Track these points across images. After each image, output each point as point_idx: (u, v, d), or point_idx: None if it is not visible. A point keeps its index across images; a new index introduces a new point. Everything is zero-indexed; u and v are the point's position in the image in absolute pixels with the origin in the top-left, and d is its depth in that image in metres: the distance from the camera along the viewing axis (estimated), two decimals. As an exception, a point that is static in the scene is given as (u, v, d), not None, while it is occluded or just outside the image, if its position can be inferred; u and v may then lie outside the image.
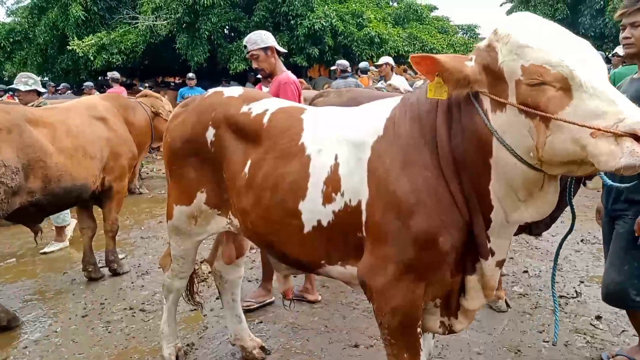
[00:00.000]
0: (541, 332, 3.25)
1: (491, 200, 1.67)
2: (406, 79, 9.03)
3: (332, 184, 1.94)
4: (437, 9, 19.63)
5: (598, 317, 3.44)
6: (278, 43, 14.01)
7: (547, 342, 3.13)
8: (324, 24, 13.18)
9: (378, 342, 3.23)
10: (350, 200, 1.90)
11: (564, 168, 1.52)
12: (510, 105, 1.51)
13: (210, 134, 2.34)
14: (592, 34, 15.13)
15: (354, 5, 14.91)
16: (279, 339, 3.35)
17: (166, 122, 5.34)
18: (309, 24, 13.16)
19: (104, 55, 13.81)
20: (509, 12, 22.68)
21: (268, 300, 3.91)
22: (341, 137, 1.98)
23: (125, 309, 3.97)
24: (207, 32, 13.03)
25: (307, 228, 2.03)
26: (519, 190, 1.63)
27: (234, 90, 2.53)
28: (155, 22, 13.24)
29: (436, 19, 18.04)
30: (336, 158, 1.96)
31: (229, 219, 2.46)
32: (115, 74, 10.84)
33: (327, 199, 1.95)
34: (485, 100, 1.60)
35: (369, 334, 3.35)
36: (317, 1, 13.57)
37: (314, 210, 1.99)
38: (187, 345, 3.34)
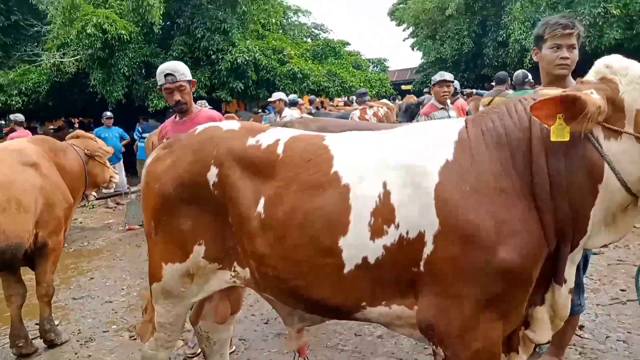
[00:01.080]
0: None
1: (588, 225, 1.65)
2: (300, 111, 9.37)
3: (383, 215, 1.74)
4: (350, 44, 20.49)
5: (581, 327, 3.49)
6: (200, 80, 13.66)
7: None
8: (247, 58, 13.04)
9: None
10: (407, 233, 1.71)
11: None
12: (630, 134, 1.56)
13: (212, 173, 2.04)
14: (496, 63, 16.57)
15: (273, 41, 15.02)
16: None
17: (103, 166, 4.90)
18: (232, 58, 12.94)
19: (1, 97, 12.47)
20: (413, 46, 24.29)
21: None
22: (389, 160, 1.80)
23: (74, 386, 3.36)
24: (124, 68, 12.29)
25: (348, 267, 1.79)
26: (611, 214, 1.66)
27: (231, 124, 2.24)
28: (62, 60, 12.23)
29: (349, 53, 18.70)
30: (385, 186, 1.76)
31: (234, 271, 2.14)
32: (19, 117, 9.71)
33: (377, 233, 1.75)
34: (596, 130, 1.61)
35: (367, 378, 3.11)
36: (237, 36, 13.46)
37: (358, 247, 1.77)
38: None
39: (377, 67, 23.14)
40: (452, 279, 1.66)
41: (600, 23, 13.57)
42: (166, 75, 3.31)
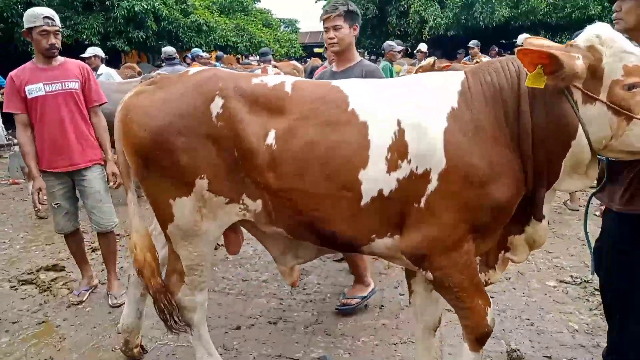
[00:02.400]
0: (397, 287, 3.73)
1: (560, 172, 1.90)
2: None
3: (398, 150, 1.89)
4: (260, 1, 20.08)
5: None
6: (93, 26, 12.68)
7: (403, 295, 3.60)
8: (146, 6, 12.36)
9: (257, 320, 3.34)
10: (417, 168, 1.88)
11: (621, 155, 1.86)
12: (602, 102, 1.74)
13: (217, 104, 2.00)
14: (398, 32, 17.28)
15: (176, -11, 14.33)
16: (154, 335, 3.19)
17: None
18: (128, 5, 12.19)
19: None
20: (325, 8, 24.35)
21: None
22: (402, 103, 1.95)
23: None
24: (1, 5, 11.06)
25: (365, 199, 1.92)
26: (579, 167, 1.90)
27: (228, 70, 2.28)
28: None
29: (259, 11, 18.39)
30: (399, 124, 1.90)
31: (243, 204, 2.11)
32: None
33: (393, 167, 1.89)
34: (576, 93, 1.79)
35: (247, 314, 3.42)
36: (135, -18, 12.66)
37: (376, 179, 1.90)
38: (45, 359, 2.96)
39: (288, 27, 22.96)
40: (448, 212, 1.88)
41: (492, 1, 14.63)
42: (45, 17, 3.27)
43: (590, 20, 15.19)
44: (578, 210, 5.42)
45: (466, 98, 1.91)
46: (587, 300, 3.47)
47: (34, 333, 3.30)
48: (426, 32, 14.99)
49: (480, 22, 15.12)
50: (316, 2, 25.39)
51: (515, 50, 1.76)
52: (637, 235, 2.13)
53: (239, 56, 17.05)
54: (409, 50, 14.51)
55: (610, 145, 1.81)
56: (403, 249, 2.00)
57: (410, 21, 16.24)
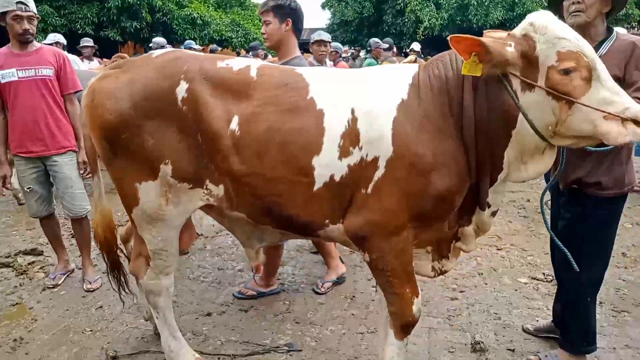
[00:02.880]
0: (370, 280, 3.77)
1: (503, 163, 1.93)
2: None
3: (350, 138, 1.93)
4: (257, -5, 20.05)
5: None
6: (87, 16, 12.75)
7: (375, 287, 3.64)
8: (140, -3, 12.36)
9: (229, 308, 3.36)
10: (366, 155, 1.92)
11: (571, 140, 1.85)
12: (541, 88, 1.75)
13: (182, 88, 2.00)
14: (394, 31, 17.34)
15: (172, -18, 14.30)
16: (125, 321, 3.21)
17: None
18: (122, -5, 12.18)
19: None
20: (323, 6, 24.34)
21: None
22: (357, 94, 1.99)
23: None
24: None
25: (317, 185, 1.97)
26: (525, 155, 1.91)
27: (193, 51, 2.29)
28: None
29: (256, 5, 18.35)
30: (353, 112, 1.94)
31: (206, 189, 2.13)
32: None
33: (344, 153, 1.94)
34: (515, 81, 1.81)
35: (219, 302, 3.44)
36: (131, -27, 12.63)
37: (328, 165, 1.95)
38: (14, 340, 2.98)
39: (286, 23, 22.80)
40: (392, 198, 1.92)
41: (486, 3, 14.70)
42: (18, 2, 3.27)
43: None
44: (557, 210, 5.47)
45: (416, 90, 1.95)
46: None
47: (6, 314, 3.32)
48: (421, 32, 15.03)
49: (474, 24, 15.21)
50: (314, -2, 25.42)
51: (449, 38, 1.78)
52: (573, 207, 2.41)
53: (240, 50, 17.09)
54: (404, 49, 14.57)
55: (558, 132, 1.82)
56: (346, 228, 2.04)
57: (406, 20, 16.33)
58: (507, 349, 2.88)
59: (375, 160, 1.92)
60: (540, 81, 1.78)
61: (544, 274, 3.84)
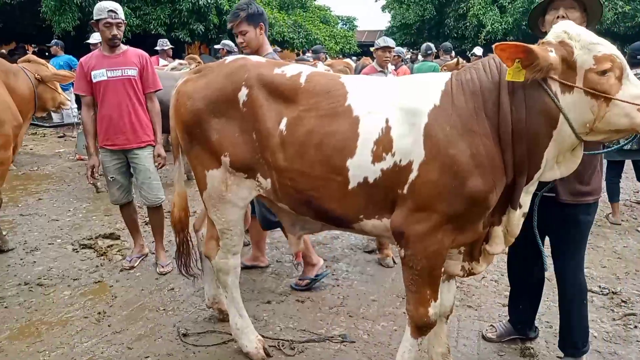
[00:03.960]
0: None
1: (542, 162, 2.02)
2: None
3: (384, 145, 2.08)
4: (319, -2, 20.38)
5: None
6: (160, 17, 13.84)
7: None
8: (209, 0, 12.95)
9: (287, 297, 3.60)
10: (400, 161, 2.06)
11: (607, 135, 1.99)
12: (580, 89, 1.88)
13: (243, 93, 2.33)
14: (455, 34, 17.13)
15: (239, -15, 14.82)
16: (194, 303, 3.52)
17: (53, 91, 5.07)
18: (193, -1, 12.83)
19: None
20: (384, 9, 24.36)
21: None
22: (392, 102, 2.13)
23: (19, 284, 3.78)
24: (78, -3, 11.94)
25: (352, 184, 2.15)
26: (561, 154, 2.04)
27: (258, 57, 2.60)
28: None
29: (318, 8, 18.68)
30: (387, 121, 2.09)
31: (257, 181, 2.44)
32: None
33: (377, 158, 2.09)
34: (554, 85, 1.92)
35: (278, 292, 3.69)
36: (202, -23, 13.26)
37: (361, 168, 2.11)
38: (98, 313, 3.36)
39: (346, 25, 23.09)
40: (427, 199, 2.03)
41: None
42: (109, 10, 3.70)
43: (662, 31, 14.48)
44: (620, 224, 5.32)
45: (448, 95, 2.05)
46: (612, 310, 3.48)
47: (90, 290, 3.73)
48: (483, 36, 14.75)
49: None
50: (376, 1, 25.47)
51: (493, 47, 1.89)
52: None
53: (299, 52, 17.48)
54: (466, 52, 14.34)
55: (596, 128, 1.93)
56: (390, 224, 2.19)
57: (468, 24, 16.06)
58: (557, 357, 2.91)
59: (410, 164, 2.05)
60: (579, 83, 1.90)
61: (599, 286, 3.80)
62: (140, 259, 4.23)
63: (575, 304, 2.68)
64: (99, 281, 3.87)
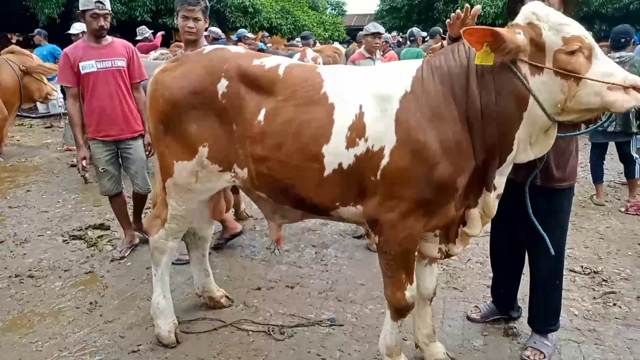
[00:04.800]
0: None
1: (513, 144, 2.06)
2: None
3: (357, 130, 2.12)
4: (308, -18, 20.16)
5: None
6: (146, 4, 13.83)
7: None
8: (196, -14, 12.80)
9: (277, 284, 3.66)
10: (372, 146, 2.10)
11: (579, 114, 2.01)
12: (550, 69, 1.91)
13: (222, 85, 2.35)
14: (445, 18, 16.94)
15: (226, -30, 14.68)
16: (184, 291, 3.57)
17: (39, 82, 5.05)
18: (179, -15, 12.66)
19: None
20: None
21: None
22: (365, 89, 2.17)
23: (10, 276, 3.80)
24: (62, -16, 11.77)
25: (327, 171, 2.18)
26: (533, 135, 2.06)
27: (237, 48, 2.60)
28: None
29: (307, -8, 18.53)
30: (361, 107, 2.13)
31: (233, 172, 2.47)
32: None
33: (351, 144, 2.13)
34: (523, 67, 1.95)
35: (268, 278, 3.75)
36: (187, -38, 13.06)
37: (336, 154, 2.15)
38: (90, 303, 3.39)
39: (335, 9, 22.91)
40: (398, 185, 2.08)
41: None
42: (96, 2, 3.66)
43: (649, 13, 14.55)
44: (604, 205, 5.43)
45: (419, 82, 2.09)
46: (593, 289, 3.58)
47: (81, 281, 3.76)
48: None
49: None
50: (364, -16, 25.24)
51: (461, 31, 1.90)
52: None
53: (288, 37, 17.39)
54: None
55: (567, 108, 1.96)
56: (364, 212, 2.25)
57: (459, 7, 15.99)
58: (539, 335, 3.00)
59: (381, 149, 2.08)
60: (548, 64, 1.93)
61: (582, 266, 3.90)
62: (130, 249, 4.26)
63: (548, 286, 2.75)
64: (89, 272, 3.90)
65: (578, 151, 2.69)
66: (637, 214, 5.11)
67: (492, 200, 2.22)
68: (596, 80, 1.88)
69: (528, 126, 2.03)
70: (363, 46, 5.79)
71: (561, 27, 1.91)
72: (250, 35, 11.50)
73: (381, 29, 5.65)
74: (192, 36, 3.49)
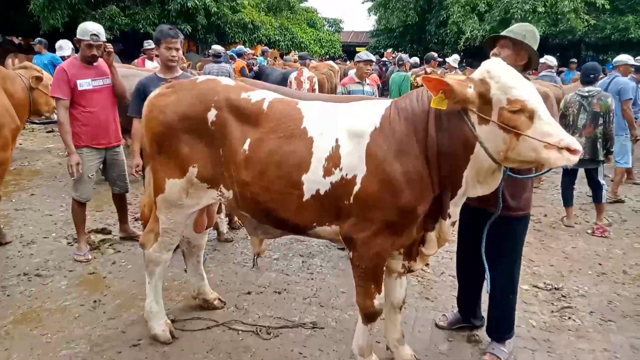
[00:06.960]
0: (387, 277, 4.31)
1: (462, 181, 2.35)
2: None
3: (333, 161, 2.42)
4: (307, 0, 20.74)
5: (427, 264, 4.59)
6: (149, 17, 14.31)
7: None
8: (197, 2, 13.24)
9: (266, 289, 3.99)
10: (347, 174, 2.40)
11: (518, 164, 2.29)
12: (494, 122, 2.16)
13: (212, 114, 2.63)
14: (436, 40, 17.68)
15: (228, -13, 15.15)
16: (181, 293, 3.89)
17: (47, 96, 5.34)
18: (182, 0, 13.10)
19: None
20: (370, 10, 24.80)
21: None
22: (341, 124, 2.46)
23: (19, 275, 4.10)
24: (68, -5, 12.13)
25: (306, 196, 2.48)
26: (481, 175, 2.34)
27: (228, 80, 2.92)
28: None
29: (306, 9, 19.03)
30: (337, 141, 2.43)
31: (220, 191, 2.76)
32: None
33: (328, 172, 2.43)
34: (473, 116, 2.22)
35: (258, 283, 4.08)
36: (191, -21, 13.53)
37: (315, 181, 2.44)
38: (94, 301, 3.71)
39: (332, 27, 23.46)
40: (368, 209, 2.38)
41: (529, 18, 14.79)
42: (92, 34, 4.19)
43: (629, 42, 15.14)
44: (573, 226, 5.82)
45: (387, 120, 2.39)
46: (552, 304, 3.94)
47: (85, 280, 4.07)
48: (462, 43, 15.33)
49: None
50: (363, 2, 25.90)
51: (421, 79, 2.23)
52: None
53: (283, 53, 17.86)
54: (446, 57, 14.85)
55: (508, 157, 2.21)
56: (340, 231, 2.54)
57: (449, 31, 16.62)
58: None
59: (354, 178, 2.39)
60: (494, 117, 2.18)
61: (544, 283, 4.26)
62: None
63: (504, 300, 3.09)
64: (93, 272, 4.21)
65: (533, 184, 3.03)
66: (602, 236, 5.51)
67: (446, 226, 2.51)
68: (533, 138, 2.12)
69: (475, 167, 2.30)
70: (355, 70, 6.22)
71: (508, 90, 2.15)
72: (248, 50, 11.95)
73: (372, 58, 6.12)
74: (174, 63, 4.02)
